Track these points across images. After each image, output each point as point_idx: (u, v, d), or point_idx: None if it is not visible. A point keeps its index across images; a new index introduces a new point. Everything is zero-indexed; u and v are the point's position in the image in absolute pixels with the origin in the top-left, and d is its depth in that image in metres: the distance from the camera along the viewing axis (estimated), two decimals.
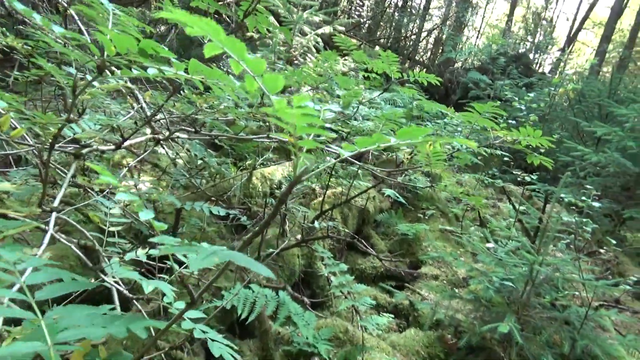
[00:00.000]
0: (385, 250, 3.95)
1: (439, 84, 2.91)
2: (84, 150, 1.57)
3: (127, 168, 2.28)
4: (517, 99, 8.57)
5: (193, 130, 2.34)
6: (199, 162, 3.18)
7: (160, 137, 2.36)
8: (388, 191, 4.01)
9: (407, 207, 4.48)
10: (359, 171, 3.78)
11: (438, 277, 3.64)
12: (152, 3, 6.29)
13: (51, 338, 0.66)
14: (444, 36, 14.95)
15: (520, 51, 15.60)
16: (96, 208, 1.63)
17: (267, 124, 3.05)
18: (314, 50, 5.62)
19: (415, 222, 4.32)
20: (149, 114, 2.42)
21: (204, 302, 1.92)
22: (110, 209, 1.39)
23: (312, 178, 3.75)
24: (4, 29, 2.12)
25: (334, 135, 0.85)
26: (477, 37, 19.47)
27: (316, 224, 2.74)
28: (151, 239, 0.78)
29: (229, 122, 3.15)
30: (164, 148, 3.11)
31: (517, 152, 7.41)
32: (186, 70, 1.00)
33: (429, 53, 16.78)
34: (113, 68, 1.57)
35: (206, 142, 3.64)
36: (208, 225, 2.64)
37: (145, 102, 2.61)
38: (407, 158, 3.09)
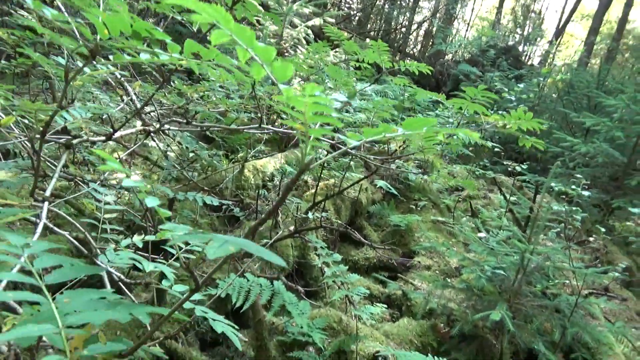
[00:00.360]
0: (378, 242, 3.96)
1: (429, 72, 2.92)
2: (75, 141, 1.55)
3: (117, 160, 2.26)
4: (507, 90, 8.62)
5: (184, 121, 2.32)
6: (191, 154, 3.16)
7: (151, 129, 2.34)
8: (380, 182, 4.02)
9: (399, 198, 4.50)
10: (351, 163, 3.78)
11: (430, 267, 3.66)
12: None
13: (61, 321, 0.66)
14: (434, 29, 14.96)
15: (509, 43, 15.66)
16: (91, 198, 1.61)
17: (259, 115, 3.04)
18: (304, 42, 5.60)
19: (408, 213, 4.34)
20: (139, 106, 2.40)
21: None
22: (105, 195, 1.38)
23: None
24: None
25: (342, 124, 0.86)
26: (467, 30, 19.51)
27: (310, 214, 2.74)
28: (161, 226, 0.77)
29: (221, 114, 3.12)
30: (154, 141, 3.09)
31: (508, 143, 7.48)
32: (181, 53, 0.99)
33: (419, 46, 16.79)
34: (103, 61, 1.55)
35: (197, 135, 3.62)
36: (200, 217, 2.63)
37: (135, 94, 2.58)
38: (400, 148, 3.09)
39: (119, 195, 1.84)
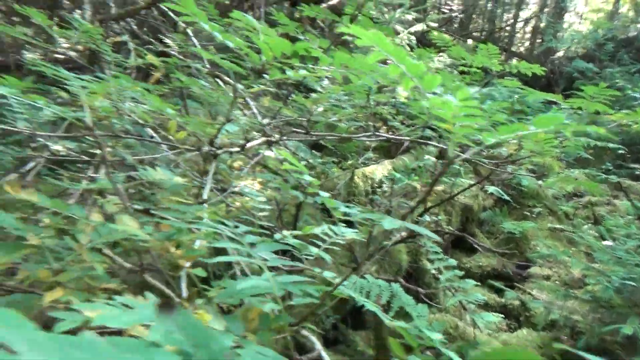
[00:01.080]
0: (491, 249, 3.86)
1: (542, 73, 2.80)
2: (219, 151, 1.76)
3: (247, 167, 2.49)
4: (630, 86, 7.89)
5: (304, 132, 2.49)
6: (303, 162, 3.34)
7: (273, 139, 2.54)
8: (491, 188, 3.92)
9: (511, 205, 4.34)
10: (461, 169, 3.73)
11: (550, 277, 3.48)
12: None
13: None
14: (543, 24, 14.10)
15: (630, 34, 14.23)
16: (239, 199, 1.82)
17: (369, 123, 3.14)
18: (408, 48, 5.63)
19: (521, 220, 4.16)
20: (259, 119, 2.62)
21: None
22: (257, 197, 1.57)
23: (413, 176, 3.77)
24: (142, 49, 2.42)
25: (484, 122, 0.93)
26: (580, 23, 18.06)
27: (426, 217, 2.77)
28: (335, 208, 0.92)
29: (333, 123, 3.28)
30: (272, 150, 3.32)
31: (634, 144, 6.82)
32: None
33: (527, 43, 15.90)
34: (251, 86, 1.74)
35: (309, 144, 3.81)
36: (318, 221, 2.78)
37: (256, 108, 2.82)
38: (513, 152, 3.00)
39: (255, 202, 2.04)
